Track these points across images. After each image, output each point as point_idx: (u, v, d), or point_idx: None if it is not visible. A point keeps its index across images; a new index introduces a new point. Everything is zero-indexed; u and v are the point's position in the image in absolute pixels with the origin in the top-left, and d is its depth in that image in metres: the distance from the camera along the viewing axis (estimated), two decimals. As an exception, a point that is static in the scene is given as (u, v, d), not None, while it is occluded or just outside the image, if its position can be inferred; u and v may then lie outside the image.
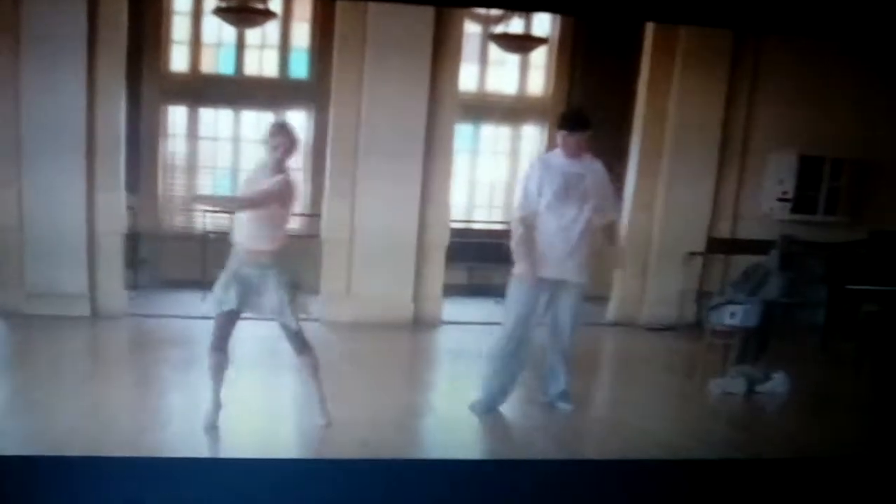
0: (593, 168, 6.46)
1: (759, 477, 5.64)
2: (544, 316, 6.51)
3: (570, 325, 6.50)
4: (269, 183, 5.60)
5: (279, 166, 5.66)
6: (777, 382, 7.56)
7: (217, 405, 5.83)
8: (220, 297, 5.65)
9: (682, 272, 10.52)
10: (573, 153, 6.34)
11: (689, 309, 10.53)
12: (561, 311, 6.47)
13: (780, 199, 10.73)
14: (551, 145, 10.61)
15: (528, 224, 6.36)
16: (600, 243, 6.68)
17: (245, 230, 5.64)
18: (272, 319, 5.75)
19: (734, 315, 8.08)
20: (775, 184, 10.77)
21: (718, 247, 10.67)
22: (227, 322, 5.73)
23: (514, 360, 6.47)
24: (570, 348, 6.58)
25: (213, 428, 5.79)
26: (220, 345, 5.76)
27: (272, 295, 5.61)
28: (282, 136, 5.66)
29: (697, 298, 10.48)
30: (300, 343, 5.81)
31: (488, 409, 6.49)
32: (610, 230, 6.89)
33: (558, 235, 6.30)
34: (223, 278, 5.67)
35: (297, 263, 5.85)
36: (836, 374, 8.86)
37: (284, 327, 5.76)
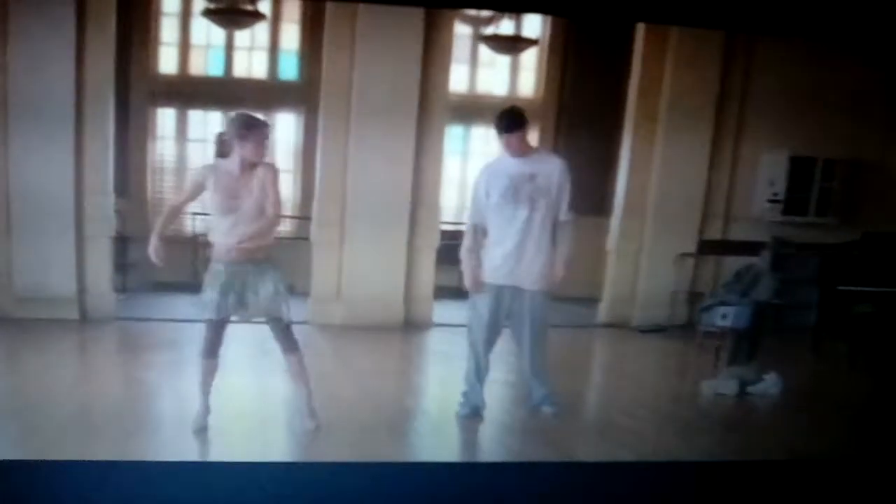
0: (548, 166, 6.21)
1: (751, 478, 5.63)
2: (508, 324, 6.40)
3: (533, 334, 6.32)
4: (269, 179, 5.50)
5: (260, 159, 5.54)
6: (769, 383, 7.55)
7: (206, 409, 5.79)
8: (217, 301, 5.55)
9: (674, 273, 10.51)
10: (515, 152, 6.15)
11: (680, 310, 10.52)
12: (523, 319, 6.30)
13: (771, 201, 10.73)
14: (541, 146, 10.65)
15: (481, 232, 6.30)
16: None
17: (240, 229, 5.52)
18: (261, 319, 5.69)
19: (726, 316, 8.09)
20: (766, 185, 10.77)
21: (710, 248, 10.66)
22: (221, 327, 5.67)
23: (482, 364, 6.41)
24: (542, 354, 6.42)
25: (202, 431, 5.75)
26: (214, 351, 5.71)
27: (269, 290, 5.55)
28: (267, 128, 5.60)
29: (689, 300, 10.48)
30: (290, 340, 5.75)
31: (473, 414, 6.46)
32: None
33: (510, 240, 6.14)
34: (216, 282, 5.56)
35: (284, 258, 5.81)
36: (828, 374, 8.87)
37: (275, 324, 5.69)
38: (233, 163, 5.52)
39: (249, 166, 5.51)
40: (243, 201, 5.49)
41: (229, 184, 5.50)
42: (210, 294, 5.57)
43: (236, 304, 5.58)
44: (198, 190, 5.69)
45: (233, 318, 5.68)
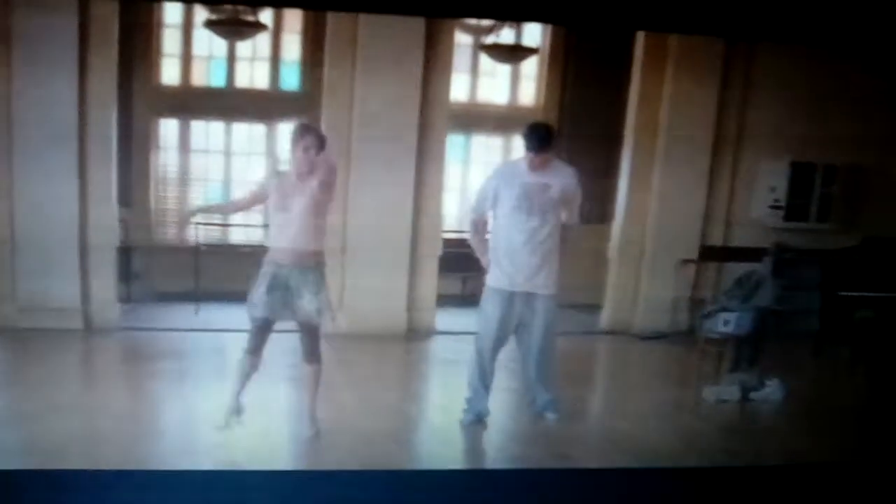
0: (562, 177, 6.30)
1: (754, 484, 5.66)
2: (516, 329, 6.45)
3: (543, 339, 6.39)
4: (321, 185, 5.63)
5: (311, 168, 5.65)
6: (771, 389, 7.58)
7: (237, 407, 5.88)
8: (265, 300, 5.64)
9: (675, 280, 10.51)
10: (538, 168, 6.23)
11: (682, 317, 10.52)
12: (531, 324, 6.37)
13: (772, 207, 10.74)
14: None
15: (480, 226, 6.44)
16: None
17: (292, 231, 5.63)
18: (299, 326, 5.78)
19: (727, 323, 8.09)
20: (767, 191, 10.77)
21: (711, 254, 10.67)
22: (266, 328, 5.76)
23: (488, 370, 6.47)
24: (548, 360, 6.49)
25: (225, 429, 5.82)
26: (258, 348, 5.80)
27: (312, 296, 5.63)
28: (312, 136, 5.67)
29: (690, 306, 10.48)
30: (317, 350, 5.83)
31: (477, 421, 6.50)
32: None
33: (523, 247, 6.21)
34: (265, 283, 5.65)
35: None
36: (830, 380, 8.89)
37: (309, 331, 5.78)
38: (291, 170, 5.70)
39: (306, 173, 5.63)
40: (295, 202, 5.62)
41: (286, 188, 5.66)
42: (258, 293, 5.67)
43: (282, 306, 5.66)
44: (259, 196, 5.92)
45: (280, 322, 5.77)
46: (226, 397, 5.90)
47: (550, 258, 6.28)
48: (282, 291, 5.63)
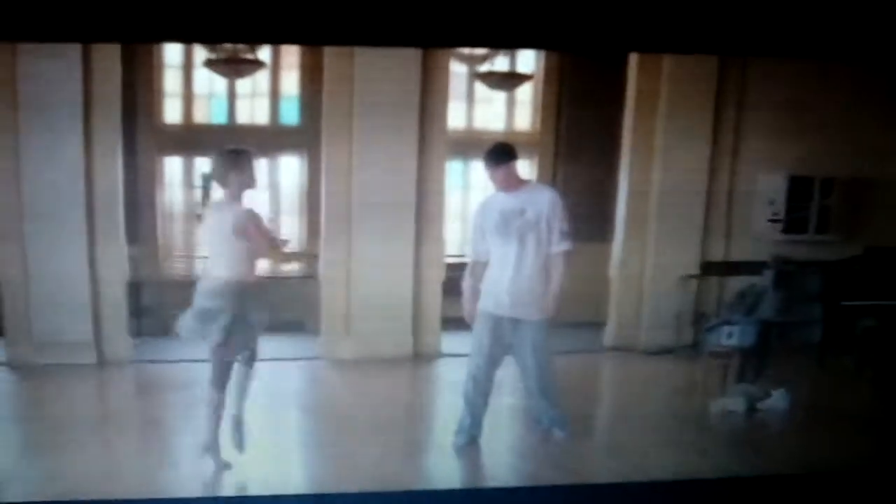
0: (537, 198, 6.31)
1: (762, 493, 5.68)
2: (511, 353, 6.51)
3: (535, 362, 6.40)
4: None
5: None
6: (777, 399, 7.63)
7: (213, 446, 5.91)
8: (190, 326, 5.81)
9: (678, 295, 10.56)
10: (504, 187, 6.30)
11: (686, 331, 10.55)
12: (522, 349, 6.41)
13: (771, 220, 10.79)
14: (541, 179, 10.79)
15: (478, 269, 6.44)
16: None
17: (209, 260, 5.82)
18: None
19: (731, 335, 8.16)
20: (766, 205, 10.83)
21: (712, 269, 10.69)
22: (220, 356, 5.81)
23: (481, 393, 6.50)
24: (547, 380, 6.50)
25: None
26: (219, 383, 5.86)
27: (215, 330, 5.70)
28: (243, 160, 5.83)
29: (694, 321, 10.52)
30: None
31: (469, 442, 6.52)
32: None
33: (505, 274, 6.26)
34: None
35: (247, 298, 5.80)
36: (834, 389, 8.92)
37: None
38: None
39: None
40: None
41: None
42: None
43: (201, 334, 5.81)
44: None
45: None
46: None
47: (535, 283, 6.29)
48: (201, 319, 5.76)
